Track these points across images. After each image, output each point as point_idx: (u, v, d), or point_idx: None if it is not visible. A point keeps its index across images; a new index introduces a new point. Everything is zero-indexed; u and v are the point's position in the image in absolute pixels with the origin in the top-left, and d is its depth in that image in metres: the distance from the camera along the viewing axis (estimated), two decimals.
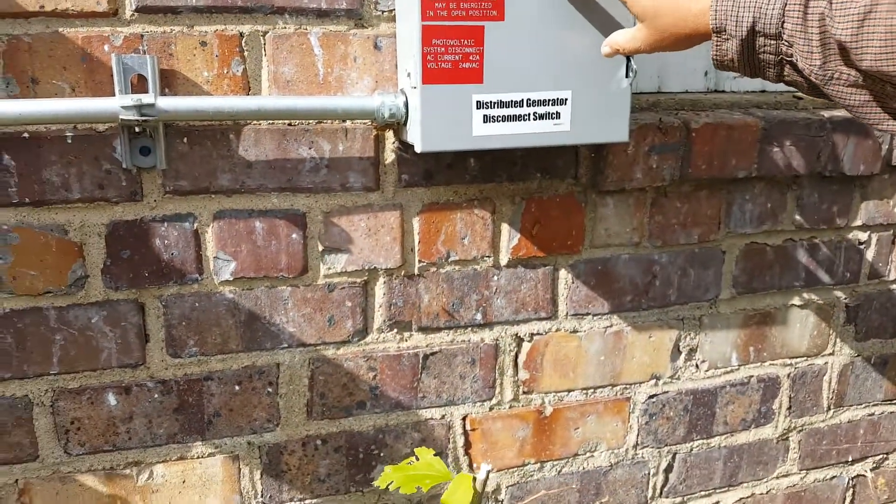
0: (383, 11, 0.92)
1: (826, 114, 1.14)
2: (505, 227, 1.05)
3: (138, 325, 0.92)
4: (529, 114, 0.86)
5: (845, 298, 1.28)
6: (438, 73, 0.82)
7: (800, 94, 1.24)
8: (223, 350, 0.96)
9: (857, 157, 1.15)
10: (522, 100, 0.86)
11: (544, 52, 0.84)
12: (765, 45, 0.67)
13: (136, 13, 0.84)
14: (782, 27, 0.65)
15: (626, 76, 0.87)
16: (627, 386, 1.17)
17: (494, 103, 0.85)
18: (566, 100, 0.87)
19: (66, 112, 0.80)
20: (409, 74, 0.86)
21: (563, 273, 1.09)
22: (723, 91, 1.24)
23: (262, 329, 0.97)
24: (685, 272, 1.16)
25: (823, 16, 0.62)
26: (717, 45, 0.70)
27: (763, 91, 1.27)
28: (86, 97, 0.85)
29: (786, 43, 0.65)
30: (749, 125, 1.07)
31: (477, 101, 0.84)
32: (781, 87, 1.26)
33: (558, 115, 0.87)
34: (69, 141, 0.86)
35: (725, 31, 0.68)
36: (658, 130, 1.03)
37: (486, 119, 0.85)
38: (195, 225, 0.92)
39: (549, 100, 0.86)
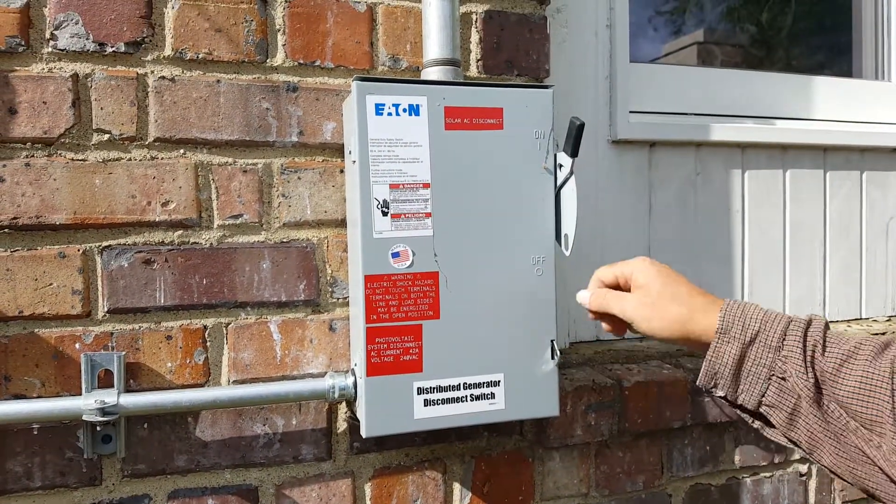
0: (339, 298, 1.02)
1: None
2: (457, 487, 1.08)
3: None
4: (466, 396, 0.94)
5: None
6: (381, 366, 0.90)
7: None
8: None
9: None
10: (459, 384, 0.93)
11: (477, 342, 0.94)
12: (762, 357, 0.73)
13: (107, 314, 0.93)
14: (783, 343, 0.72)
15: (552, 358, 0.96)
16: None
17: (433, 388, 0.93)
18: (499, 381, 0.95)
19: (34, 413, 0.86)
20: (356, 364, 0.95)
21: None
22: None
23: None
24: None
25: (816, 345, 0.71)
26: (715, 347, 0.75)
27: None
28: (55, 391, 0.91)
29: (783, 358, 0.72)
30: (679, 380, 1.16)
31: (417, 388, 0.92)
32: None
33: (493, 395, 0.95)
34: (35, 432, 0.91)
35: (730, 332, 0.74)
36: (592, 391, 1.10)
37: (426, 403, 0.92)
38: None
39: (483, 382, 0.94)
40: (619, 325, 0.86)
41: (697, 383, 0.79)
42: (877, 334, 1.44)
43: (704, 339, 0.77)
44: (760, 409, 0.75)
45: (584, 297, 0.89)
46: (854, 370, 0.69)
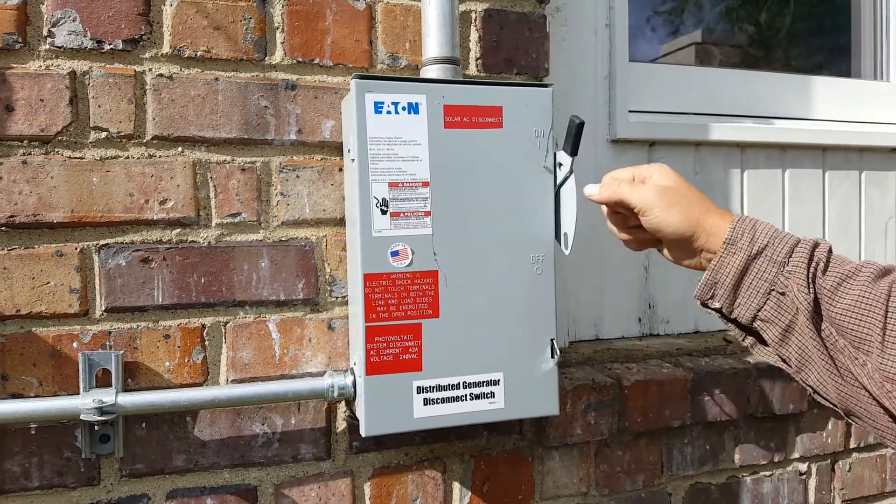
0: (337, 297, 1.02)
1: (752, 360, 1.23)
2: (456, 486, 1.08)
3: None
4: (466, 395, 0.93)
5: None
6: (381, 365, 0.90)
7: (729, 338, 1.34)
8: None
9: (786, 398, 1.23)
10: (459, 383, 0.93)
11: (477, 341, 0.93)
12: (765, 271, 0.74)
13: (105, 313, 0.93)
14: (789, 259, 0.73)
15: (552, 357, 0.96)
16: None
17: (433, 387, 0.92)
18: (499, 380, 0.95)
19: (32, 412, 0.86)
20: (355, 363, 0.94)
21: None
22: (657, 335, 1.34)
23: None
24: None
25: (818, 265, 0.72)
26: (721, 257, 0.76)
27: (696, 332, 1.38)
28: (52, 391, 0.91)
29: (786, 273, 0.73)
30: (678, 379, 1.15)
31: (417, 387, 0.92)
32: (713, 327, 1.37)
33: (493, 394, 0.94)
34: (33, 432, 0.91)
35: (738, 244, 0.75)
36: (592, 390, 1.10)
37: (426, 402, 0.92)
38: None
39: (483, 381, 0.94)
40: (629, 222, 0.86)
41: (694, 295, 0.80)
42: None
43: (712, 241, 0.77)
44: (754, 324, 0.76)
45: (593, 188, 0.87)
46: (852, 289, 0.70)
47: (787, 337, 0.74)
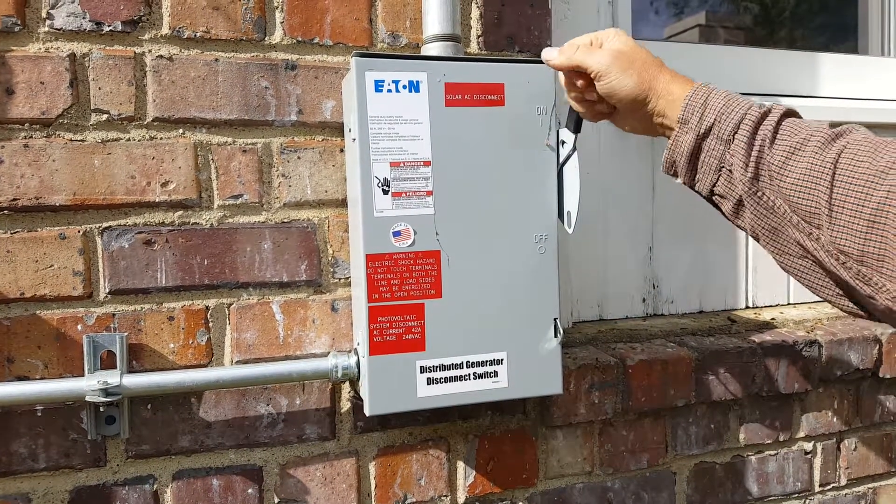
0: (340, 279, 1.02)
1: (756, 339, 1.23)
2: (461, 465, 1.09)
3: None
4: (469, 374, 0.94)
5: None
6: (384, 345, 0.90)
7: (733, 317, 1.34)
8: None
9: (790, 377, 1.23)
10: (462, 362, 0.93)
11: (480, 320, 0.93)
12: (714, 149, 0.74)
13: (109, 295, 0.93)
14: (733, 137, 0.73)
15: (555, 336, 0.96)
16: None
17: (436, 367, 0.92)
18: (502, 360, 0.95)
19: (37, 394, 0.86)
20: (358, 344, 0.94)
21: None
22: (661, 315, 1.34)
23: None
24: (639, 496, 1.19)
25: (765, 139, 0.71)
26: (675, 137, 0.77)
27: (701, 312, 1.38)
28: (57, 373, 0.91)
29: (731, 152, 0.73)
30: (683, 358, 1.15)
31: (420, 367, 0.92)
32: (717, 307, 1.36)
33: (496, 373, 0.95)
34: (39, 414, 0.91)
35: (688, 123, 0.76)
36: (596, 369, 1.10)
37: (429, 381, 0.92)
38: (155, 486, 0.95)
39: (486, 360, 0.94)
40: (584, 86, 0.84)
41: (662, 168, 0.81)
42: None
43: (662, 104, 0.78)
44: (713, 199, 0.77)
45: (551, 52, 0.86)
46: (800, 162, 0.68)
47: (738, 211, 0.75)
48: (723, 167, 0.74)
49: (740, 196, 0.74)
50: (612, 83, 0.79)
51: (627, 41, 0.81)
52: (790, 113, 0.74)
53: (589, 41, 0.83)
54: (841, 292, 0.71)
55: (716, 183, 0.76)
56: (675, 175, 0.80)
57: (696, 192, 0.80)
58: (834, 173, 0.66)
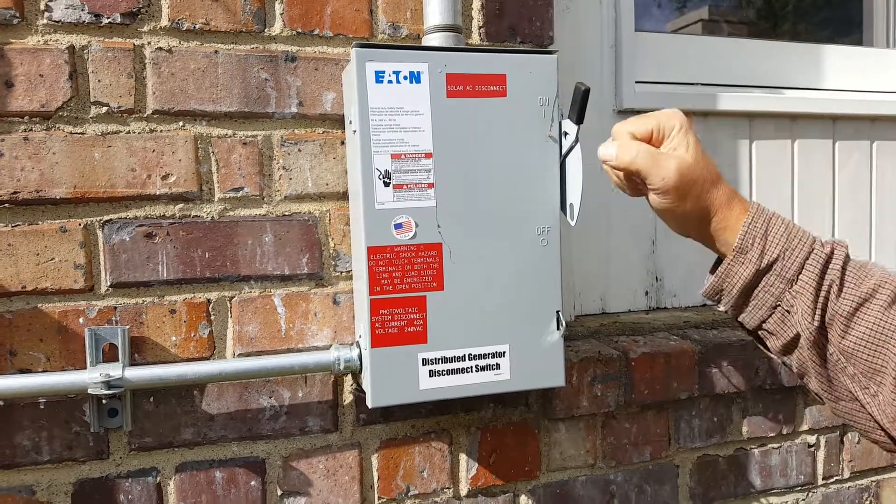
0: (342, 272, 1.02)
1: None
2: (463, 458, 1.08)
3: None
4: (471, 367, 0.93)
5: (803, 500, 1.30)
6: (386, 338, 0.90)
7: None
8: None
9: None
10: (464, 355, 0.93)
11: (482, 313, 0.93)
12: (773, 286, 0.70)
13: (110, 288, 0.93)
14: (797, 278, 0.69)
15: (558, 329, 0.95)
16: None
17: (438, 359, 0.92)
18: (504, 352, 0.94)
19: (40, 387, 0.86)
20: (360, 336, 0.94)
21: (523, 499, 1.12)
22: (664, 308, 1.34)
23: None
24: (641, 489, 1.18)
25: (832, 286, 0.69)
26: (728, 266, 0.72)
27: (704, 305, 1.37)
28: (60, 366, 0.91)
29: (794, 293, 0.70)
30: (686, 351, 1.15)
31: (422, 359, 0.91)
32: None
33: (498, 366, 0.94)
34: (41, 407, 0.91)
35: (748, 254, 0.71)
36: (598, 362, 1.10)
37: (431, 374, 0.92)
38: (158, 478, 0.95)
39: (488, 353, 0.94)
40: (636, 182, 0.78)
41: (701, 292, 0.77)
42: None
43: (720, 231, 0.74)
44: (759, 332, 0.75)
45: (608, 150, 0.78)
46: (867, 317, 0.67)
47: (789, 350, 0.73)
48: (779, 305, 0.71)
49: (795, 337, 0.71)
50: (668, 204, 0.74)
51: (694, 145, 0.74)
52: (847, 251, 0.71)
53: (649, 132, 0.76)
54: (892, 442, 0.70)
55: (767, 319, 0.72)
56: (718, 302, 0.76)
57: (738, 322, 0.76)
58: None
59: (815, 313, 0.69)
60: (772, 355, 0.76)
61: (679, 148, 0.74)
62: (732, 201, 0.74)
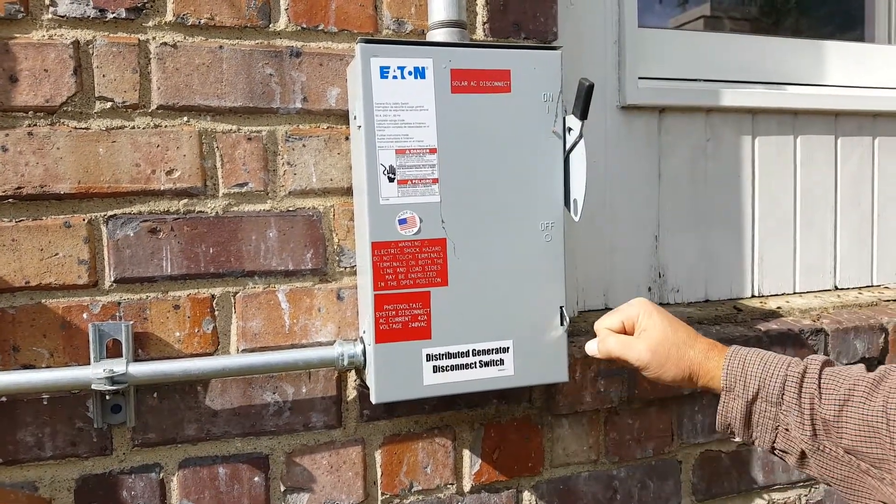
0: (346, 267, 1.02)
1: (762, 327, 1.23)
2: (466, 453, 1.09)
3: None
4: (475, 362, 0.93)
5: (806, 496, 1.30)
6: (390, 333, 0.90)
7: (739, 306, 1.33)
8: None
9: None
10: (468, 350, 0.93)
11: (486, 308, 0.93)
12: (766, 411, 0.78)
13: (114, 283, 0.93)
14: (782, 398, 0.77)
15: (561, 324, 0.95)
16: None
17: (442, 355, 0.92)
18: (508, 348, 0.94)
19: (44, 383, 0.86)
20: (364, 332, 0.94)
21: (526, 495, 1.12)
22: (667, 303, 1.34)
23: None
24: (644, 485, 1.19)
25: (813, 396, 0.75)
26: (724, 403, 0.81)
27: (707, 301, 1.37)
28: (63, 362, 0.91)
29: (783, 412, 0.77)
30: None
31: (427, 355, 0.91)
32: (723, 296, 1.36)
33: (502, 361, 0.94)
34: (45, 402, 0.91)
35: (734, 390, 0.80)
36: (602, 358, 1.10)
37: (435, 369, 0.92)
38: (161, 475, 0.95)
39: (492, 349, 0.94)
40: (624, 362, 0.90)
41: (717, 428, 0.84)
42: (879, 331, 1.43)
43: (712, 385, 0.83)
44: (775, 453, 0.81)
45: (591, 347, 0.94)
46: (852, 415, 0.72)
47: (804, 461, 0.78)
48: (779, 426, 0.78)
49: (802, 450, 0.76)
50: (651, 375, 0.86)
51: (658, 324, 0.85)
52: (826, 363, 0.78)
53: (620, 325, 0.90)
54: None
55: (775, 440, 0.79)
56: (733, 435, 0.83)
57: (758, 447, 0.83)
58: (888, 420, 0.69)
59: (804, 425, 0.75)
60: (803, 471, 0.80)
61: (648, 329, 0.86)
62: (710, 353, 0.84)
